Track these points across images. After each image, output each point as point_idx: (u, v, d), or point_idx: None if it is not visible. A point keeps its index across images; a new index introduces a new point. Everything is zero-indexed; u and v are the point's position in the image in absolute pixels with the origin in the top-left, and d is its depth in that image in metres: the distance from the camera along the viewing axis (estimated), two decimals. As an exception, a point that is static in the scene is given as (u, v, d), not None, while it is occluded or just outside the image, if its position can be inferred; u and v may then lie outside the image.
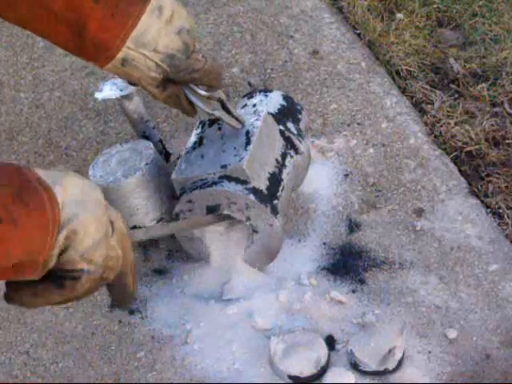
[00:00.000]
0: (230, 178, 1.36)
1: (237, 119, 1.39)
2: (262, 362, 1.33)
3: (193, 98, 1.35)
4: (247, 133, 1.39)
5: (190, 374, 1.34)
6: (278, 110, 1.52)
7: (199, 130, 1.44)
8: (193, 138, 1.44)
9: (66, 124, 1.75)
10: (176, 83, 1.33)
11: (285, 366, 1.31)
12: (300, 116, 1.55)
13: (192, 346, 1.37)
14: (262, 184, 1.38)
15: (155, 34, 1.26)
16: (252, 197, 1.35)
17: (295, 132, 1.48)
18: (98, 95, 1.51)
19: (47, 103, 1.80)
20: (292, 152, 1.47)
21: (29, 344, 1.41)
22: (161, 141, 1.57)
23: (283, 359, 1.31)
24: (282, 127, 1.47)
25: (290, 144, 1.46)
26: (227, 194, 1.35)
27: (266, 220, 1.37)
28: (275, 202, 1.38)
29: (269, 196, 1.37)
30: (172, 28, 1.27)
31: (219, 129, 1.42)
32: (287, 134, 1.47)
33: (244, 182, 1.36)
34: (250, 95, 1.57)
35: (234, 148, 1.38)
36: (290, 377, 1.30)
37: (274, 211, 1.37)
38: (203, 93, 1.34)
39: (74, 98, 1.80)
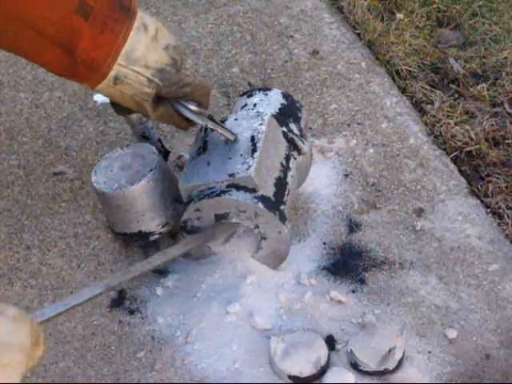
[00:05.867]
0: (238, 187, 1.35)
1: (229, 131, 1.40)
2: (261, 362, 1.33)
3: (184, 112, 1.36)
4: (252, 138, 1.39)
5: (189, 374, 1.34)
6: (279, 109, 1.51)
7: (203, 134, 1.44)
8: (197, 143, 1.44)
9: (65, 124, 1.75)
10: (167, 100, 1.34)
11: (285, 365, 1.31)
12: (300, 114, 1.55)
13: (192, 346, 1.36)
14: (270, 190, 1.38)
15: (144, 50, 1.28)
16: (261, 205, 1.35)
17: (297, 133, 1.48)
18: (97, 98, 1.51)
19: (47, 103, 1.80)
20: (295, 153, 1.47)
21: (29, 344, 1.41)
22: (160, 140, 1.57)
23: (283, 359, 1.31)
24: (284, 129, 1.46)
25: (293, 146, 1.46)
26: (236, 202, 1.35)
27: (275, 227, 1.37)
28: (282, 207, 1.38)
29: (276, 202, 1.37)
30: (159, 44, 1.30)
31: None
32: (290, 135, 1.46)
33: (252, 191, 1.35)
34: (249, 94, 1.56)
35: (241, 155, 1.37)
36: (290, 377, 1.30)
37: (283, 218, 1.37)
38: (194, 108, 1.37)
39: (74, 98, 1.80)
